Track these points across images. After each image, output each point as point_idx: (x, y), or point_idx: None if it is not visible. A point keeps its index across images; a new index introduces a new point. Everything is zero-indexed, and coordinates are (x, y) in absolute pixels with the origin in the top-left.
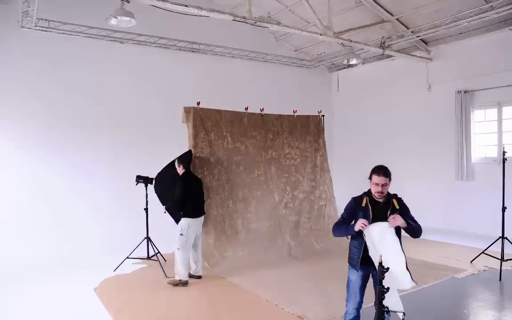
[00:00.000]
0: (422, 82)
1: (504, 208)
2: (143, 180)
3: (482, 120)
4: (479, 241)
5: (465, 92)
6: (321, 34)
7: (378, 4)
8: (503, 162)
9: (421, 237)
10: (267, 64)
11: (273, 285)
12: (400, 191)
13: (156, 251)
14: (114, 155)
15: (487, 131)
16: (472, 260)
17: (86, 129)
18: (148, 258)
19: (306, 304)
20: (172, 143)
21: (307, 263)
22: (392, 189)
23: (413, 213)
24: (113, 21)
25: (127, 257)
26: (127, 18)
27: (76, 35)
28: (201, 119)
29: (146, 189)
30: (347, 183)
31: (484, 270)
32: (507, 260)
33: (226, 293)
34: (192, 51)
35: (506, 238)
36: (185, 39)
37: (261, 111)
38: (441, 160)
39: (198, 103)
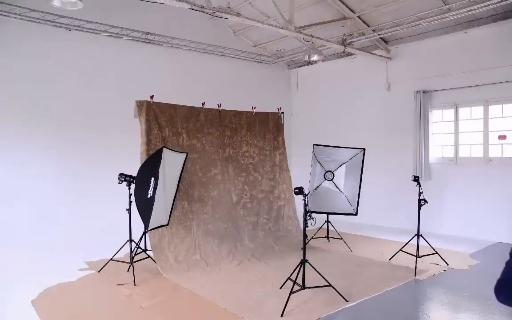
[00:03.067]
0: (382, 82)
1: (419, 206)
2: (125, 178)
3: (440, 120)
4: (438, 240)
5: (424, 92)
6: (282, 28)
7: (340, 0)
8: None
9: (379, 237)
10: (225, 59)
11: (231, 292)
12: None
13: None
14: (57, 153)
15: (445, 131)
16: (391, 258)
17: (28, 125)
18: (132, 262)
19: (267, 312)
20: (123, 140)
21: (267, 266)
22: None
23: (372, 214)
24: (56, 2)
25: (111, 259)
26: (73, 0)
27: (15, 17)
28: (155, 114)
29: (130, 189)
30: (305, 183)
31: (443, 270)
32: (421, 256)
33: (180, 302)
34: (146, 42)
35: (421, 235)
36: (139, 29)
37: (218, 107)
38: (400, 160)
39: (152, 97)
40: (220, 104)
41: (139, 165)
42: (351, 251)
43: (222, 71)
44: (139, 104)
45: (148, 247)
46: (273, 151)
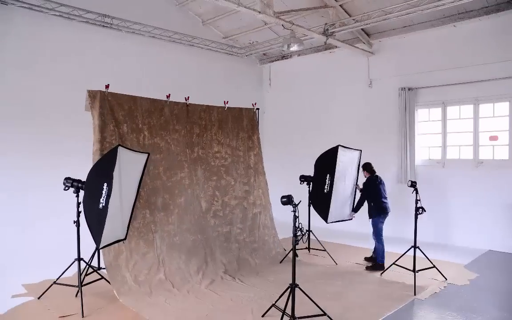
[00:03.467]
0: (363, 78)
1: (416, 215)
2: (72, 183)
3: (426, 119)
4: (427, 249)
5: (409, 89)
6: (260, 12)
7: None
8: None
9: (365, 246)
10: (193, 49)
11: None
12: None
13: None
14: None
15: (431, 131)
16: (382, 273)
17: None
18: (80, 285)
19: None
20: (74, 137)
21: (243, 286)
22: None
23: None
24: None
25: (55, 282)
26: None
27: None
28: (111, 107)
29: (78, 196)
30: (279, 187)
31: (444, 286)
32: (419, 271)
33: None
34: (103, 25)
35: (418, 247)
36: (94, 10)
37: (186, 100)
38: (383, 162)
39: (107, 86)
40: (188, 97)
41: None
42: (336, 264)
43: (189, 63)
44: (92, 94)
45: (102, 265)
46: (248, 151)
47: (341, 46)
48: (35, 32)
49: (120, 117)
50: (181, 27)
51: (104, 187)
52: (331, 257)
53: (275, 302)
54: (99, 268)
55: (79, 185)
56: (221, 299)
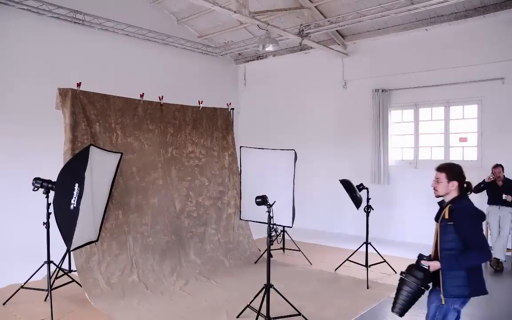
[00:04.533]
0: (338, 79)
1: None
2: (42, 184)
3: (399, 121)
4: (401, 248)
5: (382, 91)
6: (235, 12)
7: None
8: None
9: (338, 246)
10: (167, 48)
11: None
12: (313, 195)
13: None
14: None
15: (404, 132)
16: (336, 268)
17: None
18: (50, 289)
19: None
20: (44, 136)
21: (218, 286)
22: (303, 190)
23: (323, 219)
24: None
25: (22, 286)
26: None
27: None
28: (82, 106)
29: (48, 197)
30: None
31: None
32: (371, 265)
33: None
34: (75, 22)
35: (370, 243)
36: (65, 5)
37: (160, 99)
38: (357, 162)
39: (79, 84)
40: (162, 97)
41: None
42: (311, 264)
43: (164, 62)
44: (63, 92)
45: (74, 268)
46: (222, 152)
47: (316, 47)
48: (4, 27)
49: (92, 116)
50: (155, 26)
51: (75, 187)
52: (306, 257)
53: (250, 302)
54: (70, 270)
55: (49, 185)
56: (195, 300)
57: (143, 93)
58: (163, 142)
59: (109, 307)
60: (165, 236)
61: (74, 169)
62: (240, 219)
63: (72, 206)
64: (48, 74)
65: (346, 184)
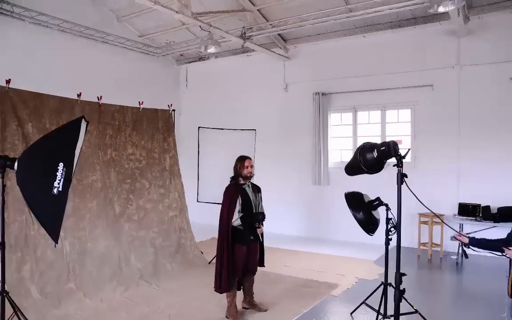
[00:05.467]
0: (279, 82)
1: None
2: None
3: (338, 123)
4: (340, 248)
5: (322, 94)
6: (177, 12)
7: None
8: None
9: (280, 246)
10: (107, 47)
11: None
12: None
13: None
14: None
15: (343, 135)
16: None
17: None
18: None
19: None
20: None
21: (160, 291)
22: None
23: (268, 220)
24: None
25: None
26: None
27: None
28: (13, 105)
29: (3, 178)
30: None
31: (355, 282)
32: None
33: None
34: (3, 13)
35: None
36: None
37: (98, 100)
38: (298, 164)
39: (8, 81)
40: (101, 97)
41: None
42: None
43: (103, 60)
44: None
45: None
46: (163, 154)
47: (258, 50)
48: None
49: (24, 115)
50: (94, 23)
51: (59, 168)
52: None
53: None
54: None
55: (8, 162)
56: (137, 306)
57: (80, 93)
58: (101, 144)
59: (43, 317)
60: (104, 241)
61: (58, 145)
62: (198, 201)
63: (55, 190)
64: None
65: (353, 199)
